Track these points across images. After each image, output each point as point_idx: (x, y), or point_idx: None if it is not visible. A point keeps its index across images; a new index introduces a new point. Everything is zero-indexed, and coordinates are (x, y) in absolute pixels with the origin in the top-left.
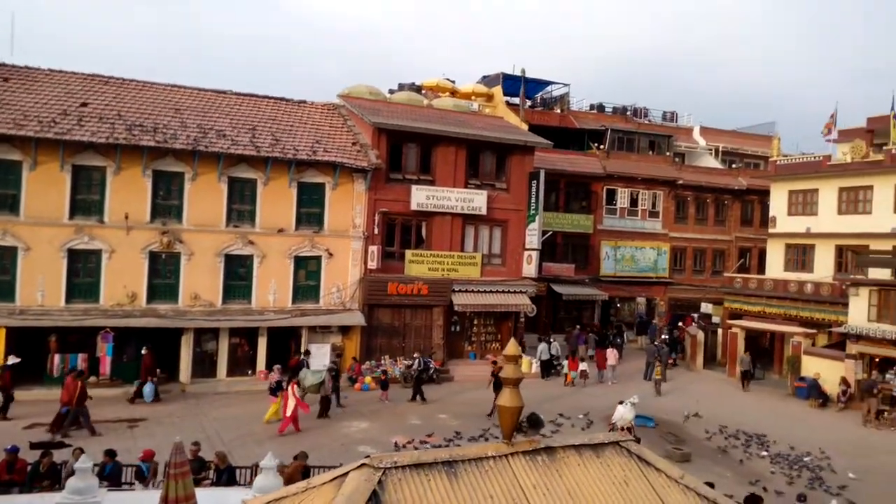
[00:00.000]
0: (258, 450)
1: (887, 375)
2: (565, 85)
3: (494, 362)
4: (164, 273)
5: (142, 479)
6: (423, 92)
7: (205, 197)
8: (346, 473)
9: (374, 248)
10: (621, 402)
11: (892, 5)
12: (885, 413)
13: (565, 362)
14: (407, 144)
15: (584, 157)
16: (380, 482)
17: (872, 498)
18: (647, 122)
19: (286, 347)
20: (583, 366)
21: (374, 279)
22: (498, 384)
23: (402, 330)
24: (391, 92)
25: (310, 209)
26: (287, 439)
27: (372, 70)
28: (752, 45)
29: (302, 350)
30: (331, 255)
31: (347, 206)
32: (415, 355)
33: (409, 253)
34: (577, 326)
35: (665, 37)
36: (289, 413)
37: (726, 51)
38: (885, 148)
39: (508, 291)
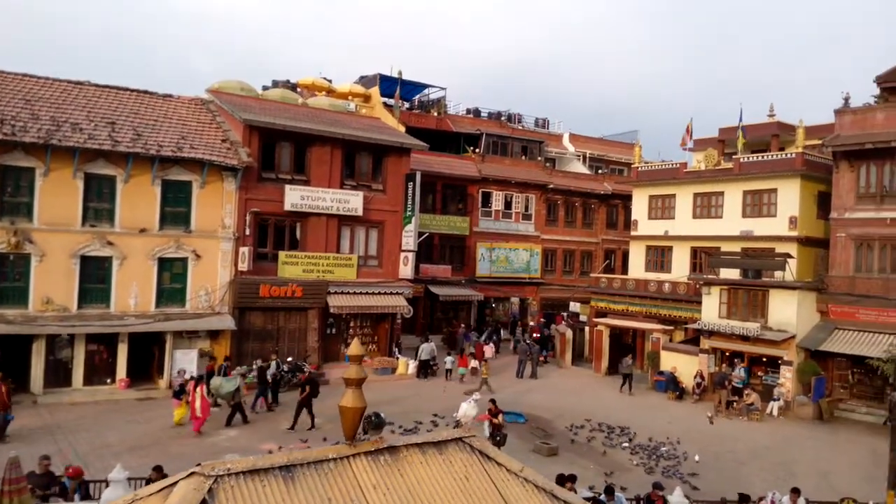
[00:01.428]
0: (116, 462)
1: (734, 369)
2: (442, 88)
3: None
4: (11, 276)
5: None
6: (299, 90)
7: (58, 194)
8: (175, 483)
9: (245, 250)
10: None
11: (747, 22)
12: (734, 403)
13: (449, 358)
14: (280, 143)
15: (460, 160)
16: (210, 491)
17: (719, 481)
18: (520, 127)
19: (149, 354)
20: (473, 363)
21: (246, 281)
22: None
23: (276, 333)
24: (265, 89)
25: (175, 208)
26: (149, 451)
27: (245, 66)
28: (619, 59)
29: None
30: (198, 256)
31: (216, 206)
32: (272, 358)
33: (282, 254)
34: (463, 325)
35: (539, 47)
36: (199, 413)
37: (594, 63)
38: (734, 157)
39: (385, 293)
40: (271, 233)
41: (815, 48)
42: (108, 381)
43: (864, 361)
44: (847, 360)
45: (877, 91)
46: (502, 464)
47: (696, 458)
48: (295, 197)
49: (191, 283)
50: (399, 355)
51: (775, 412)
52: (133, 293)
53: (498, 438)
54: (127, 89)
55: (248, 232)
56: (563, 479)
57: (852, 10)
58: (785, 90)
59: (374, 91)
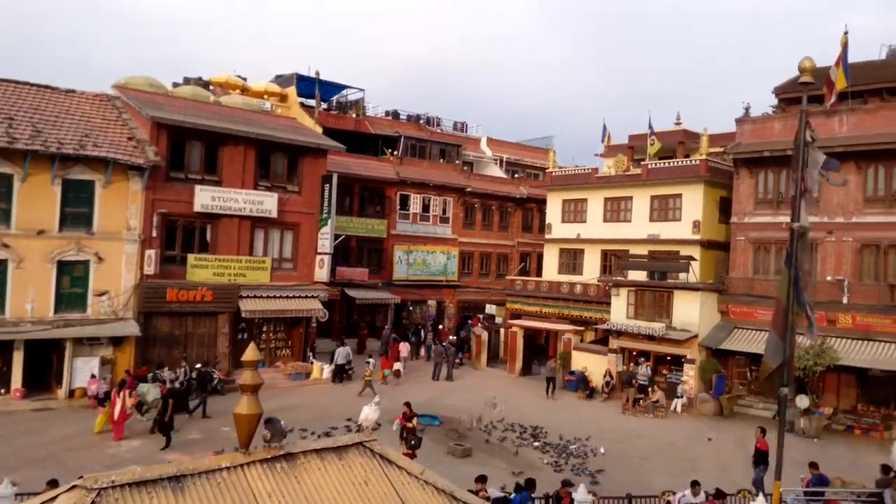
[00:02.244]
0: (7, 476)
1: (639, 367)
2: (360, 90)
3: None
4: None
5: None
6: (212, 88)
7: None
8: (55, 497)
9: (151, 252)
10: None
11: (656, 35)
12: (641, 401)
13: (371, 360)
14: (191, 142)
15: (378, 162)
16: None
17: (625, 477)
18: (439, 130)
19: (48, 362)
20: (397, 365)
21: (152, 285)
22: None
23: (184, 339)
24: (175, 86)
25: (77, 209)
26: (45, 464)
27: (154, 62)
28: (535, 66)
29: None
30: (101, 259)
31: (121, 207)
32: (182, 365)
33: (191, 257)
34: (387, 326)
35: (458, 52)
36: (116, 417)
37: (512, 69)
38: (642, 163)
39: (300, 296)
40: (180, 235)
41: (719, 60)
42: (2, 390)
43: (761, 359)
44: (745, 358)
45: (775, 101)
46: (403, 467)
47: (602, 449)
48: (205, 198)
49: (92, 287)
50: (314, 360)
51: (679, 409)
52: (30, 298)
53: (412, 442)
54: (27, 83)
55: (154, 234)
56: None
57: (753, 25)
58: (691, 99)
59: (291, 91)
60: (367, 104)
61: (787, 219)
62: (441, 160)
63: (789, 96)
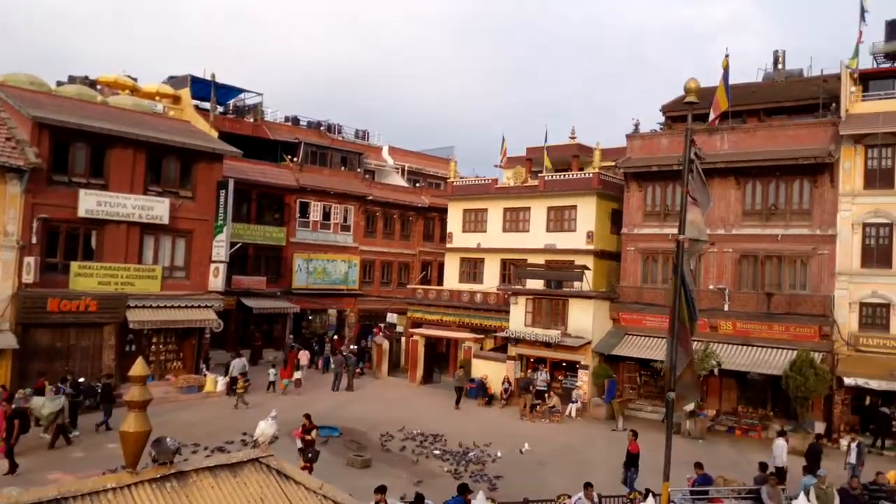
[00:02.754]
0: None
1: (537, 374)
2: (259, 94)
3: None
4: None
5: None
6: (99, 87)
7: None
8: None
9: (30, 260)
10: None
11: (554, 51)
12: (538, 407)
13: (272, 371)
14: (75, 144)
15: (277, 168)
16: None
17: (523, 482)
18: (340, 138)
19: None
20: (298, 374)
21: (31, 295)
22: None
23: (66, 352)
24: (59, 84)
25: None
26: None
27: (36, 59)
28: (437, 76)
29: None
30: None
31: None
32: (67, 377)
33: (74, 265)
34: (291, 335)
35: (359, 59)
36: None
37: (415, 79)
38: (539, 175)
39: (192, 306)
40: (63, 241)
41: (612, 78)
42: None
43: (650, 364)
44: (635, 363)
45: (662, 119)
46: (301, 482)
47: (499, 453)
48: (90, 202)
49: None
50: (207, 372)
51: (574, 413)
52: None
53: (310, 455)
54: None
55: (34, 240)
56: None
57: (644, 45)
58: (585, 114)
59: (185, 93)
60: (265, 109)
61: (674, 230)
62: (342, 168)
63: (675, 114)
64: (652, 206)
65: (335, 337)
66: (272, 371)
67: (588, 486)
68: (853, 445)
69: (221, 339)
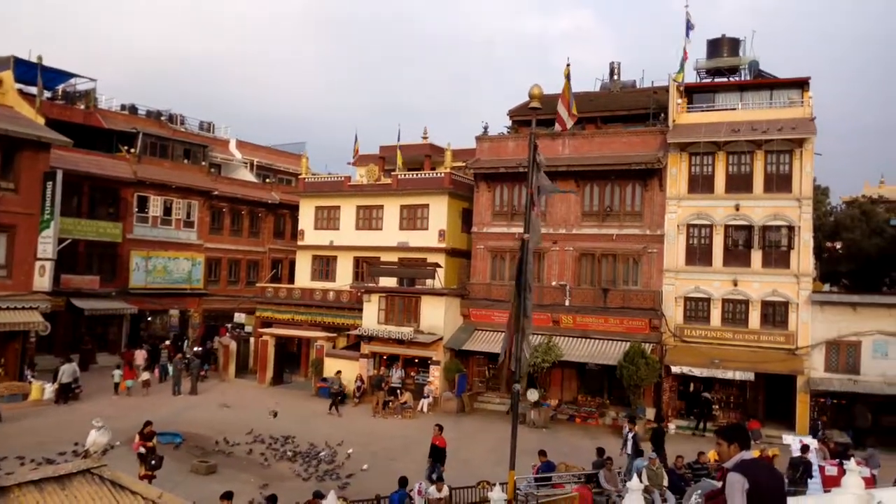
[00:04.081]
0: None
1: (391, 371)
2: (92, 80)
3: None
4: None
5: None
6: None
7: None
8: None
9: None
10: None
11: (409, 50)
12: (390, 403)
13: (117, 372)
14: None
15: (112, 159)
16: None
17: (376, 478)
18: (183, 129)
19: None
20: (145, 375)
21: None
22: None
23: None
24: None
25: None
26: None
27: None
28: (290, 70)
29: None
30: None
31: None
32: None
33: None
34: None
35: (209, 47)
36: None
37: (265, 72)
38: (392, 173)
39: (15, 308)
40: None
41: (465, 82)
42: None
43: (498, 358)
44: (484, 357)
45: (510, 122)
46: (138, 492)
47: (350, 451)
48: None
49: None
50: (32, 379)
51: (425, 408)
52: None
53: (153, 462)
54: None
55: None
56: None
57: (493, 54)
58: (439, 116)
59: (7, 75)
60: (99, 96)
61: (520, 230)
62: (186, 161)
63: (521, 118)
64: (500, 206)
65: (167, 342)
66: (117, 373)
67: (440, 479)
68: (630, 435)
69: (49, 343)
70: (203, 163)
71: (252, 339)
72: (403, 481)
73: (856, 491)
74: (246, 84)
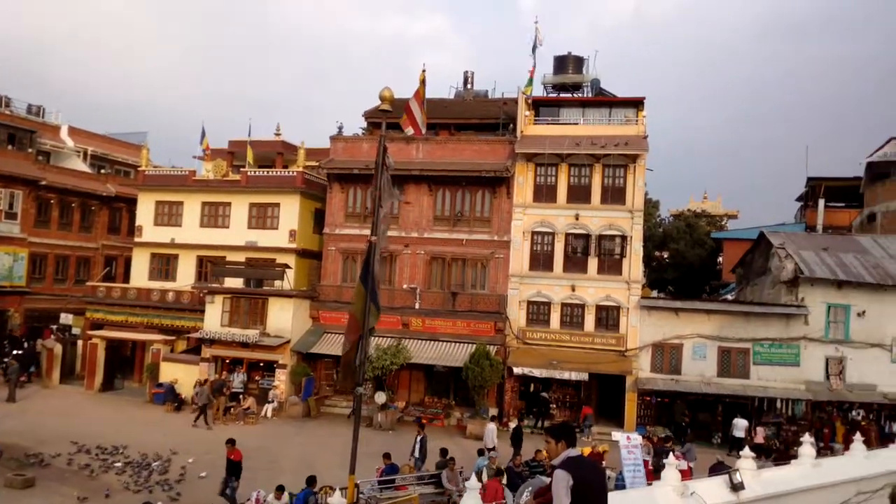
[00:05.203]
0: None
1: (233, 375)
2: None
3: None
4: None
5: None
6: None
7: None
8: None
9: None
10: None
11: (263, 43)
12: (232, 409)
13: None
14: None
15: None
16: None
17: (213, 486)
18: (8, 112)
19: None
20: None
21: None
22: None
23: None
24: None
25: None
26: None
27: None
28: (129, 55)
29: None
30: None
31: None
32: None
33: None
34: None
35: (40, 24)
36: None
37: (103, 56)
38: (242, 170)
39: None
40: None
41: (321, 80)
42: None
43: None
44: (333, 361)
45: (364, 124)
46: None
47: (190, 459)
48: None
49: None
50: None
51: (270, 413)
52: None
53: None
54: None
55: None
56: None
57: (350, 53)
58: (293, 113)
59: None
60: None
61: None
62: (9, 147)
63: (376, 120)
64: (353, 207)
65: None
66: None
67: (280, 489)
68: (418, 439)
69: None
70: (30, 149)
71: (80, 342)
72: (311, 480)
73: (673, 483)
74: (80, 68)
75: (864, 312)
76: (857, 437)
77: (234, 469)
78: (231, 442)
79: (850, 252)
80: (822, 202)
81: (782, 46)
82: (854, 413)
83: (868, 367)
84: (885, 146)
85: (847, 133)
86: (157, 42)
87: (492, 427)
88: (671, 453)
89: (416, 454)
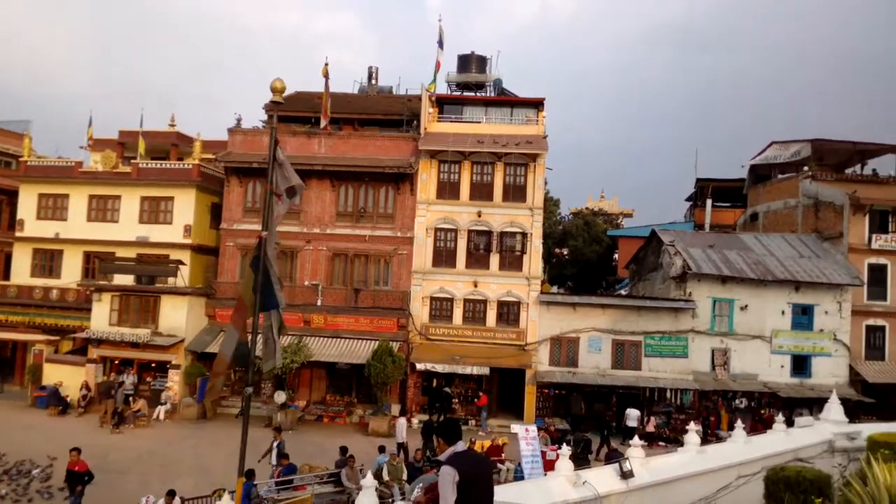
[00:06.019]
0: None
1: (123, 376)
2: None
3: None
4: None
5: None
6: None
7: None
8: None
9: None
10: None
11: (155, 30)
12: (123, 411)
13: None
14: None
15: None
16: None
17: (100, 493)
18: None
19: None
20: None
21: None
22: None
23: None
24: None
25: None
26: None
27: None
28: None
29: None
30: None
31: None
32: None
33: None
34: None
35: None
36: None
37: None
38: (133, 161)
39: None
40: None
41: (218, 71)
42: None
43: (244, 360)
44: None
45: (265, 116)
46: None
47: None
48: None
49: None
50: None
51: (162, 416)
52: None
53: None
54: None
55: None
56: None
57: (250, 43)
58: (189, 104)
59: None
60: None
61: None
62: None
63: (279, 113)
64: (252, 202)
65: None
66: None
67: (170, 494)
68: (275, 444)
69: None
70: None
71: None
72: (250, 473)
73: (566, 473)
74: None
75: (746, 306)
76: (738, 423)
77: (76, 479)
78: (77, 450)
79: (734, 249)
80: (709, 202)
81: (674, 55)
82: (738, 401)
83: (750, 358)
84: (767, 150)
85: (733, 137)
86: (40, 25)
87: (402, 422)
88: (565, 445)
89: (272, 460)
